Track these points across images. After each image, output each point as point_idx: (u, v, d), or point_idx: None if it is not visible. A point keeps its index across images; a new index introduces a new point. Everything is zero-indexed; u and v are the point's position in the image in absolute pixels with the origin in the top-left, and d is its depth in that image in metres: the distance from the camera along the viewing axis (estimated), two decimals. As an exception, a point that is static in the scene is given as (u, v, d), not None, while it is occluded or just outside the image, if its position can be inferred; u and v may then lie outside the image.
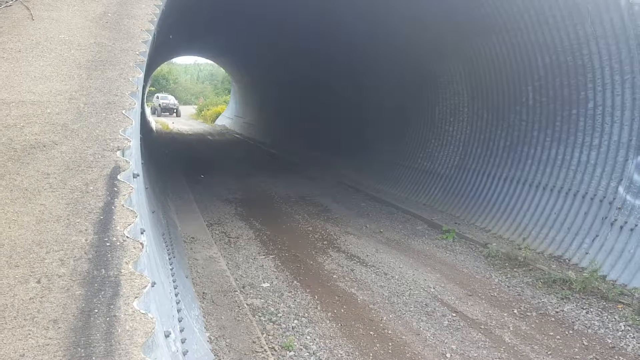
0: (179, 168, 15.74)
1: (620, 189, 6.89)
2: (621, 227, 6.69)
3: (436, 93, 11.67)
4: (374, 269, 7.20)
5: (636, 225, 6.51)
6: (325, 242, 8.54)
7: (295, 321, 5.52)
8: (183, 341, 3.28)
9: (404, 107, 13.01)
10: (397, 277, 6.92)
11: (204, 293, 5.93)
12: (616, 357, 4.88)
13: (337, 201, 11.71)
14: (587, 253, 6.94)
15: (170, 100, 47.24)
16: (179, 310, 3.82)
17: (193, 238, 8.15)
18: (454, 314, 5.78)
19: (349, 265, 7.35)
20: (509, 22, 8.60)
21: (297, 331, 5.29)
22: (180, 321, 3.60)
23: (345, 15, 12.97)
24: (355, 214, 10.57)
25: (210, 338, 4.80)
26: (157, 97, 47.70)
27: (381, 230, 9.33)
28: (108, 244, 2.16)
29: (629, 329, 5.40)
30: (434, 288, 6.54)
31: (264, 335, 5.10)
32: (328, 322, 5.55)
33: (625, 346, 5.08)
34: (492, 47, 9.35)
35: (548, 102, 8.26)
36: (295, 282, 6.71)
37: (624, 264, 6.44)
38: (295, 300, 6.10)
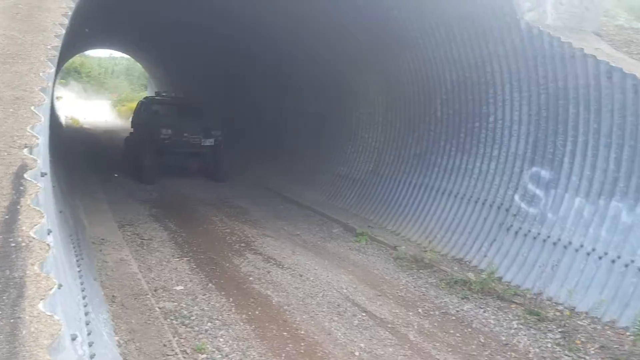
0: (91, 166, 15.02)
1: (516, 197, 7.52)
2: (516, 233, 7.29)
3: (354, 101, 12.07)
4: (290, 271, 7.33)
5: (529, 231, 7.13)
6: (242, 244, 8.55)
7: (209, 324, 5.51)
8: (90, 345, 3.22)
9: (324, 114, 13.30)
10: (312, 278, 7.08)
11: (113, 296, 5.77)
12: (509, 353, 5.27)
13: (256, 204, 11.74)
14: (485, 256, 7.49)
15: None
16: (86, 314, 3.73)
17: (103, 239, 7.85)
18: (364, 314, 6.02)
19: (266, 267, 7.43)
20: (421, 38, 9.10)
21: (211, 334, 5.29)
22: (87, 324, 3.52)
23: (268, 14, 12.91)
24: (273, 216, 10.66)
25: (119, 342, 4.70)
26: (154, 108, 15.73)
27: (298, 232, 9.49)
28: (13, 244, 2.12)
29: (521, 327, 5.84)
30: (346, 289, 6.77)
31: (176, 338, 5.06)
32: (242, 324, 5.59)
33: (517, 343, 5.50)
34: (407, 61, 9.84)
35: (454, 114, 8.84)
36: (210, 284, 6.68)
37: (518, 266, 7.01)
38: (209, 303, 6.08)
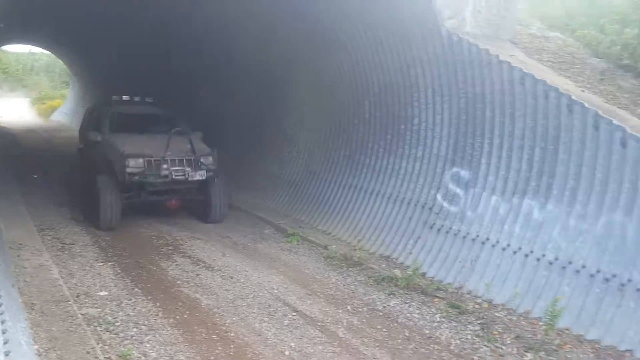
0: (7, 166, 14.15)
1: (438, 197, 7.86)
2: (438, 230, 7.62)
3: (286, 104, 12.13)
4: (220, 273, 7.28)
5: (450, 229, 7.47)
6: (170, 248, 8.39)
7: (135, 329, 5.40)
8: (7, 354, 3.09)
9: (258, 116, 13.24)
10: (242, 280, 7.08)
11: (32, 303, 5.52)
12: (432, 345, 5.52)
13: (185, 206, 11.47)
14: (411, 253, 7.76)
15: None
16: (2, 322, 3.56)
17: (21, 244, 7.46)
18: (294, 313, 6.10)
19: (195, 270, 7.34)
20: (350, 42, 9.31)
21: (136, 339, 5.18)
22: (4, 333, 3.37)
23: (199, 10, 12.69)
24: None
25: (38, 350, 4.51)
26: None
27: (229, 234, 9.42)
28: None
29: (443, 320, 6.12)
30: (277, 289, 6.82)
31: (100, 345, 4.92)
32: (170, 328, 5.51)
33: (439, 335, 5.76)
34: (336, 64, 10.02)
35: (382, 116, 9.10)
36: (136, 289, 6.53)
37: (440, 262, 7.33)
38: (135, 308, 5.94)
